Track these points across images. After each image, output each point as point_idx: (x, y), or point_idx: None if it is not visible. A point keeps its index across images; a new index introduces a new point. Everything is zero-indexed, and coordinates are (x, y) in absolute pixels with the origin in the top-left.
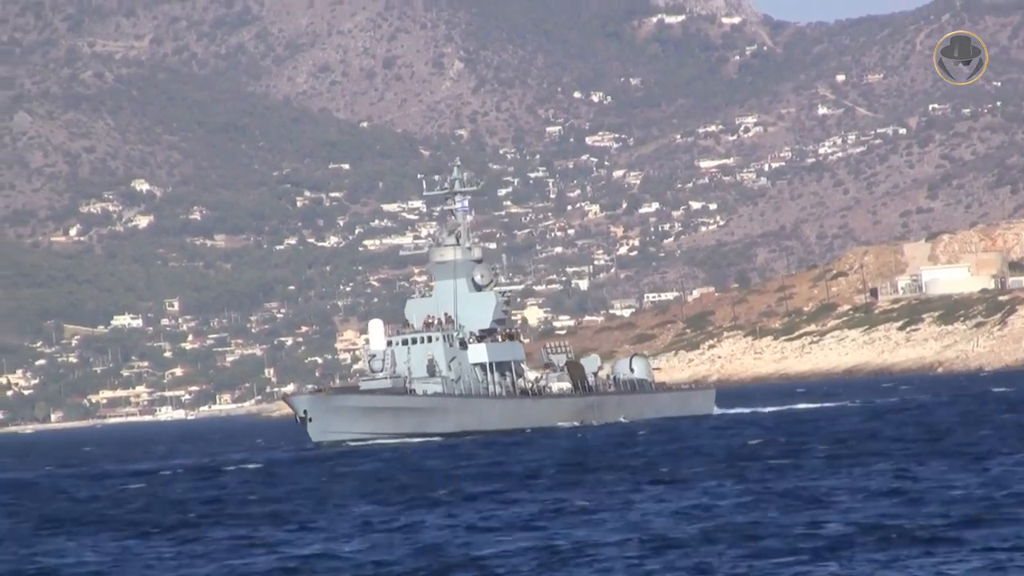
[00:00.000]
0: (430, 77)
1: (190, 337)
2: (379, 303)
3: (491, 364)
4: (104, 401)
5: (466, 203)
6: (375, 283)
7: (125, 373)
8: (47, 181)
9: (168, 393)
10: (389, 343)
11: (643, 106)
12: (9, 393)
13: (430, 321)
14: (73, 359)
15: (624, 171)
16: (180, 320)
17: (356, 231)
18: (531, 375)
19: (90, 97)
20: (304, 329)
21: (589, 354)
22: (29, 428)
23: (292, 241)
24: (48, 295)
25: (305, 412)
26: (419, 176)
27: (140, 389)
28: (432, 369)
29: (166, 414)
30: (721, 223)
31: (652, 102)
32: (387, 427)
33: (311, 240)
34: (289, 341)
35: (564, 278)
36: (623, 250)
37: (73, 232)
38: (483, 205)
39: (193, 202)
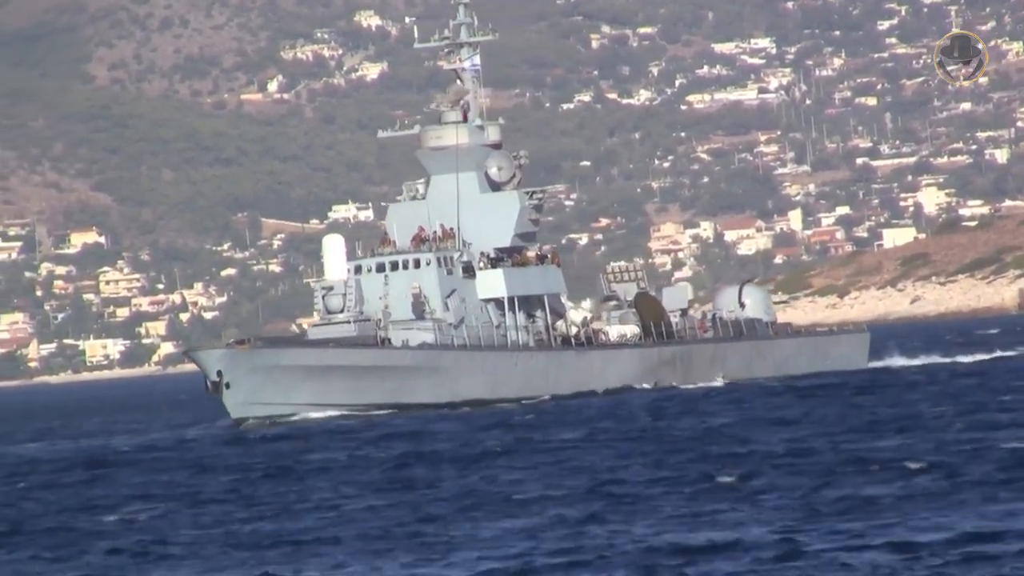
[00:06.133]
0: None
1: None
2: (709, 183)
3: (511, 300)
4: None
5: (476, 60)
6: (704, 156)
7: None
8: (233, 15)
9: None
10: (357, 269)
11: None
12: (185, 316)
13: (422, 236)
14: (275, 267)
15: None
16: None
17: (677, 82)
18: (576, 315)
19: None
20: (604, 222)
21: (677, 283)
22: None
23: (585, 98)
24: (238, 177)
25: (219, 374)
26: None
27: None
28: (420, 308)
29: None
30: None
31: None
32: (345, 396)
33: (612, 96)
34: (584, 239)
35: (975, 146)
36: None
37: (272, 87)
38: (855, 44)
39: None
